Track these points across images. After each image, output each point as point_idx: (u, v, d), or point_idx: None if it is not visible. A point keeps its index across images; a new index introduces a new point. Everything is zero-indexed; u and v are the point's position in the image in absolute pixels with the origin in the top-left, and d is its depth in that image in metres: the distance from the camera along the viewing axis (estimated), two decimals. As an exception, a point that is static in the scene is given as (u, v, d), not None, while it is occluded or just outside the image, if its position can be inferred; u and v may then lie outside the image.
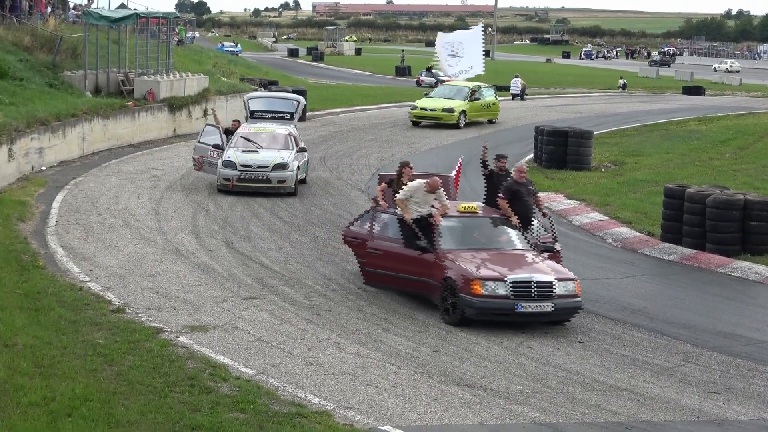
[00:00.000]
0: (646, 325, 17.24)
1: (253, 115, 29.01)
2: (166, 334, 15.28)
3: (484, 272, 16.36)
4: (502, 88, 67.58)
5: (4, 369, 12.93)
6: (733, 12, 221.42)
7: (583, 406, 13.31)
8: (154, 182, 28.31)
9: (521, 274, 16.35)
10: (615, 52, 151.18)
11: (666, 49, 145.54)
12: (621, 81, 76.42)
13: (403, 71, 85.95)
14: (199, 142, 27.86)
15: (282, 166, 26.48)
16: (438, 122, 43.24)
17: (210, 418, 11.88)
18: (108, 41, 39.27)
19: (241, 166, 26.42)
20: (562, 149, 34.25)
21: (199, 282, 18.45)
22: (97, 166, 30.91)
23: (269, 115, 28.98)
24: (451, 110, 43.55)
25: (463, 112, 43.93)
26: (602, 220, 25.96)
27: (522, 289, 16.11)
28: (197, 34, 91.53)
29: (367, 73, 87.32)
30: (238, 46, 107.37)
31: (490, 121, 45.93)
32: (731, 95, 74.97)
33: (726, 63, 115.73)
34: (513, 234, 17.91)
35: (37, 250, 20.06)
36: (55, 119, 30.57)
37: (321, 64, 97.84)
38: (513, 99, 61.86)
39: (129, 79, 38.76)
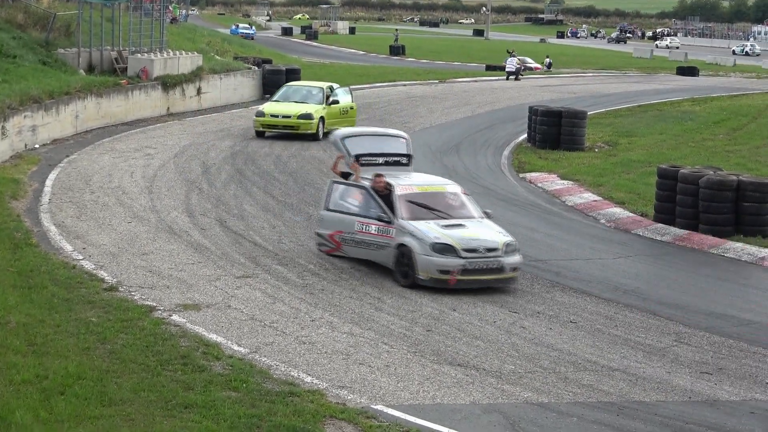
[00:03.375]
0: (638, 305, 17.28)
1: (359, 162, 19.89)
2: (159, 312, 15.29)
3: None
4: (496, 68, 67.68)
5: (-3, 347, 12.95)
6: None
7: (575, 386, 13.35)
8: (147, 160, 28.26)
9: None
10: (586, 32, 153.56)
11: (624, 28, 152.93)
12: (547, 60, 75.16)
13: (397, 50, 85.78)
14: (326, 209, 19.52)
15: (512, 248, 18.16)
16: (292, 132, 34.01)
17: (203, 397, 11.91)
18: (101, 19, 39.17)
19: (465, 250, 17.78)
20: (555, 129, 34.26)
21: (192, 260, 18.45)
22: (90, 144, 30.84)
23: (381, 161, 20.15)
24: (309, 117, 34.21)
25: (322, 118, 34.70)
26: (596, 201, 25.98)
27: None
28: (184, 12, 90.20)
29: (361, 52, 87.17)
30: (253, 28, 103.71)
31: None
32: (725, 76, 74.96)
33: (666, 40, 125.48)
34: None
35: (30, 228, 20.03)
36: (49, 97, 30.51)
37: (315, 43, 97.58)
38: (507, 79, 61.67)
39: (122, 57, 38.66)
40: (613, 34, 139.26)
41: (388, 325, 15.41)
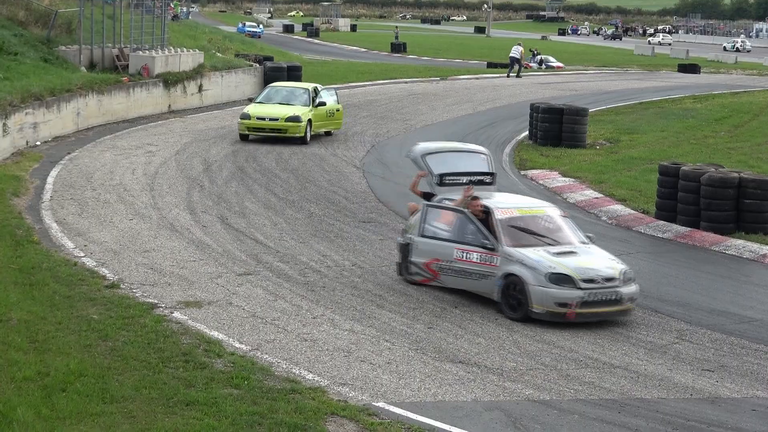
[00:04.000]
0: (639, 302, 17.22)
1: (442, 182, 18.30)
2: (161, 309, 15.29)
3: None
4: (497, 66, 67.61)
5: (-1, 344, 12.96)
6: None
7: (576, 383, 13.35)
8: (148, 158, 28.26)
9: None
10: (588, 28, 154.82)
11: (616, 25, 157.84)
12: (538, 57, 74.86)
13: (398, 48, 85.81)
14: (422, 236, 17.62)
15: (628, 276, 16.48)
16: (279, 135, 32.23)
17: (204, 394, 11.91)
18: (103, 16, 39.19)
19: (583, 281, 16.05)
20: (557, 127, 34.25)
21: (193, 258, 18.45)
22: (91, 141, 30.84)
23: (465, 180, 18.36)
24: (297, 119, 32.25)
25: (309, 121, 32.82)
26: (597, 198, 25.97)
27: None
28: (185, 9, 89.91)
29: (363, 50, 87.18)
30: (260, 26, 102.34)
31: (328, 133, 34.53)
32: (726, 73, 74.92)
33: (659, 36, 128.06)
34: None
35: (32, 225, 20.04)
36: (50, 94, 30.52)
37: (316, 40, 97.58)
38: (508, 76, 61.41)
39: (124, 54, 38.67)
40: (609, 31, 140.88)
41: (390, 322, 15.41)
